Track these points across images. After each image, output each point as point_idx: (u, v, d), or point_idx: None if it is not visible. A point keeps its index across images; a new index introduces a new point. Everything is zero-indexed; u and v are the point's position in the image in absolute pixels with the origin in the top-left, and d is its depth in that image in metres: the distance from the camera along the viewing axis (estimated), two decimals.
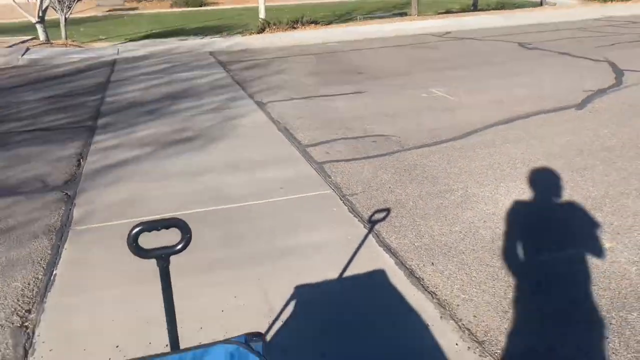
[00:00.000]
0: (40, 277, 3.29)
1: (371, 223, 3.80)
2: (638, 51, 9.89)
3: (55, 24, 17.72)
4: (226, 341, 1.48)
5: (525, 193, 4.21)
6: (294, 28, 16.61)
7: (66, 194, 4.55)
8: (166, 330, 1.60)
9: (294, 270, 3.21)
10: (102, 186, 4.65)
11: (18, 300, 3.07)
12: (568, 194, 4.14)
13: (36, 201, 4.41)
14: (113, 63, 11.21)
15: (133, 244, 1.45)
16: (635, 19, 14.80)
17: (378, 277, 3.13)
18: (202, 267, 3.29)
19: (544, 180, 4.45)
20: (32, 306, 3.00)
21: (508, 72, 8.71)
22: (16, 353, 2.60)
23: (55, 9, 17.45)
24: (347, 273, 3.18)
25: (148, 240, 1.49)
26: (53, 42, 15.18)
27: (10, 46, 13.69)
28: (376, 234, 3.65)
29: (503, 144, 5.28)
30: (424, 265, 3.25)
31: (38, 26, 14.75)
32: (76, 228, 3.90)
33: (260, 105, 7.26)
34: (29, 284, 3.22)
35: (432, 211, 3.95)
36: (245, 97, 7.78)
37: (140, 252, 1.48)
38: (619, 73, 7.97)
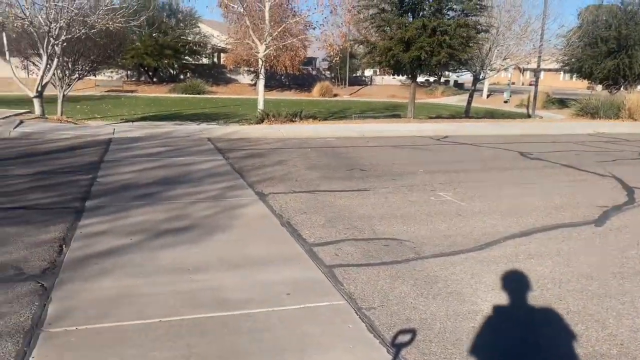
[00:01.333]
0: None
1: (395, 347, 3.28)
2: None
3: (53, 99, 17.72)
4: None
5: (563, 319, 3.75)
6: (292, 121, 16.71)
7: (42, 285, 3.98)
8: None
9: None
10: (85, 278, 4.10)
11: None
12: (613, 324, 3.69)
13: (6, 292, 3.82)
14: (108, 142, 10.91)
15: None
16: (627, 136, 15.15)
17: None
18: None
19: (581, 306, 4.00)
20: None
21: (515, 180, 8.54)
22: None
23: (54, 85, 17.54)
24: None
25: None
26: (48, 117, 15.02)
27: (3, 118, 13.43)
28: None
29: (527, 259, 4.88)
30: None
31: (35, 100, 14.63)
32: (49, 330, 3.31)
33: (261, 196, 6.88)
34: None
35: (464, 337, 3.45)
36: (245, 186, 7.42)
37: None
38: (629, 190, 7.81)
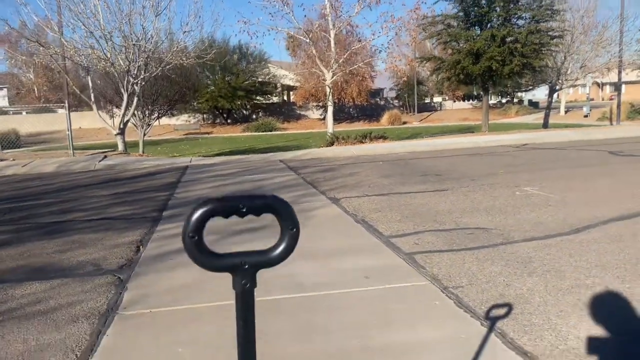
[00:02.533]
0: None
1: (490, 320, 2.92)
2: None
3: (134, 144, 18.71)
4: None
5: None
6: (362, 142, 16.56)
7: (119, 277, 3.97)
8: None
9: None
10: (160, 271, 4.06)
11: None
12: None
13: (85, 284, 3.84)
14: (185, 168, 11.24)
15: (193, 237, 0.78)
16: None
17: None
18: None
19: None
20: None
21: (606, 174, 7.84)
22: None
23: (136, 126, 18.52)
24: None
25: None
26: (130, 153, 15.79)
27: (90, 155, 14.27)
28: (500, 333, 2.76)
29: (634, 237, 4.34)
30: None
31: (118, 137, 15.45)
32: (123, 313, 3.25)
33: (334, 200, 6.70)
34: None
35: (569, 308, 3.02)
36: (318, 194, 7.27)
37: (206, 256, 0.80)
38: None
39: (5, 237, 5.43)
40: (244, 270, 0.84)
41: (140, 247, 4.84)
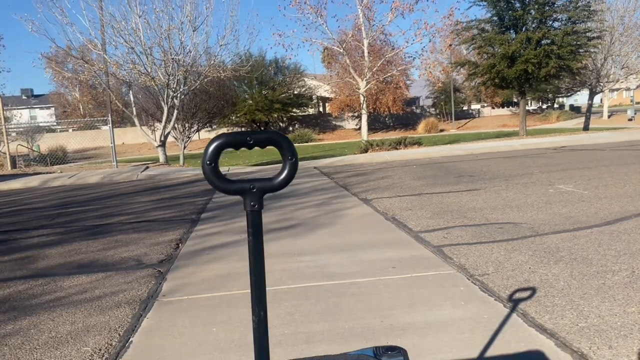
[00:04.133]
0: (114, 343, 2.80)
1: (513, 302, 2.98)
2: None
3: (175, 157, 19.31)
4: (342, 356, 0.93)
5: None
6: (396, 149, 16.61)
7: (159, 270, 4.20)
8: None
9: (417, 348, 2.46)
10: (197, 264, 4.27)
11: None
12: None
13: (127, 276, 4.08)
14: None
15: (210, 164, 0.94)
16: None
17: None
18: (299, 340, 2.64)
19: None
20: None
21: None
22: None
23: (176, 139, 19.11)
24: (490, 353, 2.37)
25: None
26: (170, 164, 16.31)
27: (132, 166, 14.83)
28: (522, 313, 2.82)
29: None
30: (597, 349, 2.36)
31: (159, 149, 16.00)
32: (163, 299, 3.46)
33: (366, 201, 6.81)
34: (99, 350, 2.73)
35: (593, 291, 3.05)
36: (349, 195, 7.41)
37: (221, 181, 0.96)
38: None
39: (54, 237, 5.78)
40: (252, 193, 0.99)
41: (180, 244, 5.08)
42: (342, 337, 2.64)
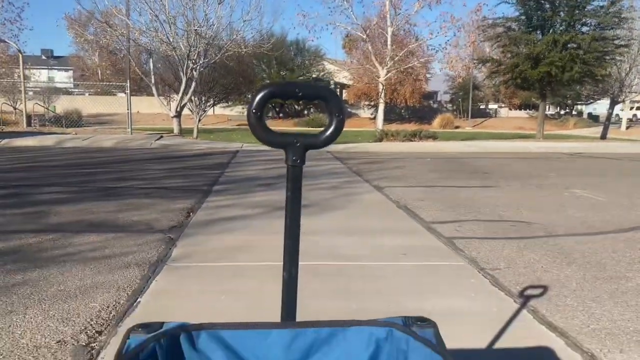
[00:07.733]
0: (122, 302, 2.81)
1: (524, 298, 2.95)
2: None
3: (189, 130, 19.33)
4: (371, 322, 0.91)
5: None
6: (411, 140, 16.53)
7: (169, 236, 4.21)
8: None
9: None
10: (207, 234, 4.27)
11: (91, 321, 2.58)
12: None
13: (137, 239, 4.10)
14: (236, 152, 11.58)
15: (256, 113, 0.91)
16: None
17: (547, 356, 2.26)
18: (305, 317, 2.63)
19: None
20: (105, 328, 2.50)
21: None
22: None
23: (191, 111, 19.10)
24: (499, 345, 2.35)
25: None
26: (184, 135, 16.32)
27: (147, 134, 14.86)
28: (533, 310, 2.79)
29: None
30: (608, 351, 2.33)
31: (174, 120, 16.01)
32: (172, 264, 3.46)
33: (378, 188, 6.78)
34: (107, 307, 2.74)
35: (606, 295, 3.02)
36: (362, 181, 7.38)
37: (266, 132, 0.93)
38: None
39: (66, 195, 5.81)
40: (296, 147, 0.96)
41: (191, 213, 5.09)
42: (350, 318, 2.63)
